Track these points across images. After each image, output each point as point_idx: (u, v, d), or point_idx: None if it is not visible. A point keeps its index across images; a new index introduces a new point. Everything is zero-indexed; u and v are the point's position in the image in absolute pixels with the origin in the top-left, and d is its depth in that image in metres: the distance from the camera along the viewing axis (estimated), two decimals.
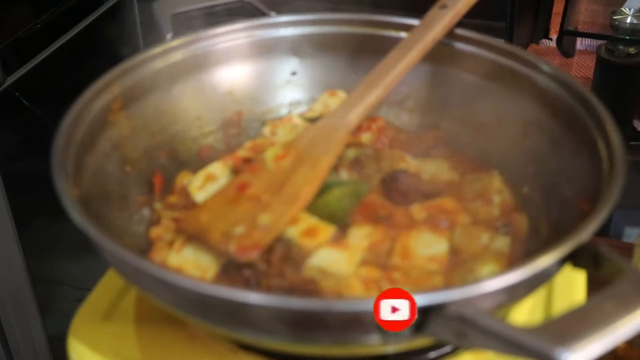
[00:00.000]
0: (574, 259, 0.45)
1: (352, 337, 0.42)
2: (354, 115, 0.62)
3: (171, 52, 0.65)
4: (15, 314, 1.41)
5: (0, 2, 1.23)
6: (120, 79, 0.61)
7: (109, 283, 0.59)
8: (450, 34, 0.66)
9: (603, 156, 0.53)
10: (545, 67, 0.60)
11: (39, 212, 1.55)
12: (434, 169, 0.62)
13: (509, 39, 2.30)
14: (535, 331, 0.38)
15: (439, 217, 0.57)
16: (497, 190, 0.59)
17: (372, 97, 0.63)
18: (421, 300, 0.40)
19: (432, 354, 0.53)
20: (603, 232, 0.67)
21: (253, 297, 0.41)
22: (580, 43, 2.42)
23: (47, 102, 1.46)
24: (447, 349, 0.53)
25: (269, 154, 0.60)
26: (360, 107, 0.62)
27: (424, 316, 0.41)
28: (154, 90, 0.64)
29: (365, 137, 0.65)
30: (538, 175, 0.60)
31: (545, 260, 0.42)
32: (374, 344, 0.43)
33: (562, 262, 0.44)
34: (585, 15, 2.17)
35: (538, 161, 0.61)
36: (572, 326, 0.37)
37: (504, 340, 0.38)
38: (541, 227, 0.57)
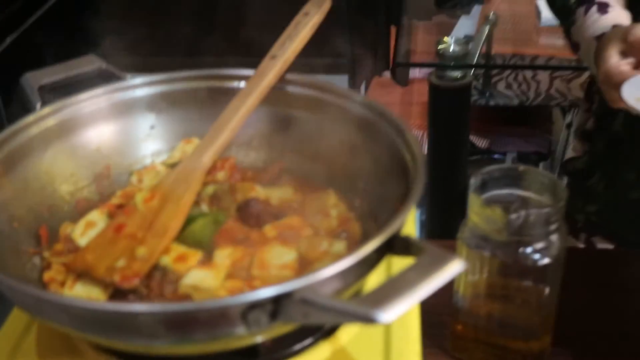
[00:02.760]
0: (391, 248, 0.58)
1: (222, 330, 0.53)
2: (207, 157, 0.74)
3: (43, 119, 0.74)
4: None
5: None
6: None
7: (12, 325, 0.67)
8: (282, 79, 0.79)
9: (410, 165, 0.66)
10: (357, 97, 0.74)
11: None
12: (280, 194, 0.74)
13: (352, 74, 2.48)
14: (358, 301, 0.49)
15: (287, 233, 0.68)
16: (333, 205, 0.72)
17: (221, 140, 0.74)
18: (273, 291, 0.52)
19: (297, 347, 0.64)
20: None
21: (140, 307, 0.51)
22: (420, 71, 2.62)
23: None
24: (308, 341, 0.65)
25: (139, 198, 0.70)
26: (211, 150, 0.74)
27: (277, 304, 0.52)
28: (31, 155, 0.73)
29: (220, 175, 0.77)
30: (366, 189, 0.73)
31: (364, 251, 0.55)
32: (240, 334, 0.53)
33: (381, 251, 0.57)
34: (420, 45, 2.37)
35: (365, 177, 0.74)
36: (384, 294, 0.50)
37: (337, 312, 0.50)
38: (371, 229, 0.69)
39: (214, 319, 0.52)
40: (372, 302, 0.49)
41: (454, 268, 0.52)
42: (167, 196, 0.70)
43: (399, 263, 0.55)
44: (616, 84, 0.88)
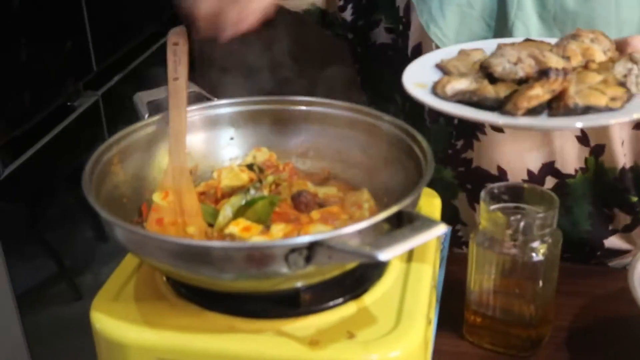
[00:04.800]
0: (400, 220, 0.77)
1: (269, 269, 0.73)
2: (182, 156, 0.94)
3: (149, 126, 0.98)
4: None
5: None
6: (117, 143, 0.93)
7: (116, 277, 0.89)
8: (327, 105, 1.00)
9: (422, 166, 0.87)
10: (386, 117, 0.95)
11: (41, 297, 1.79)
12: (326, 191, 0.95)
13: None
14: (365, 246, 0.70)
15: (328, 217, 0.89)
16: (366, 200, 0.92)
17: (182, 143, 0.95)
18: (308, 238, 0.72)
19: (330, 304, 0.84)
20: None
21: (213, 244, 0.73)
22: None
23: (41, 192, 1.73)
24: (340, 300, 0.84)
25: (156, 197, 0.91)
26: (182, 151, 0.94)
27: (310, 250, 0.72)
28: (140, 151, 0.96)
29: (283, 175, 0.98)
30: (394, 190, 0.93)
31: (375, 219, 0.75)
32: (283, 273, 0.74)
33: (390, 221, 0.76)
34: None
35: (393, 182, 0.94)
36: (385, 242, 0.69)
37: (351, 253, 0.70)
38: None
39: (264, 258, 0.72)
40: (375, 247, 0.69)
41: (438, 230, 0.72)
42: (177, 190, 0.91)
43: None
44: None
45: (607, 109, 0.83)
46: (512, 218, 0.95)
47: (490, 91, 0.85)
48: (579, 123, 0.86)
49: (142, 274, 0.89)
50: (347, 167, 1.00)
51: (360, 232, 0.74)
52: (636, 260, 1.02)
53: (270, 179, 0.94)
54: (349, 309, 0.83)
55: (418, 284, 0.87)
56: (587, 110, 0.82)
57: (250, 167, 0.98)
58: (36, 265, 1.93)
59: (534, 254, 0.96)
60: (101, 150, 0.90)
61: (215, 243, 0.73)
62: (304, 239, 0.72)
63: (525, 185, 1.01)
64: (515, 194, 1.00)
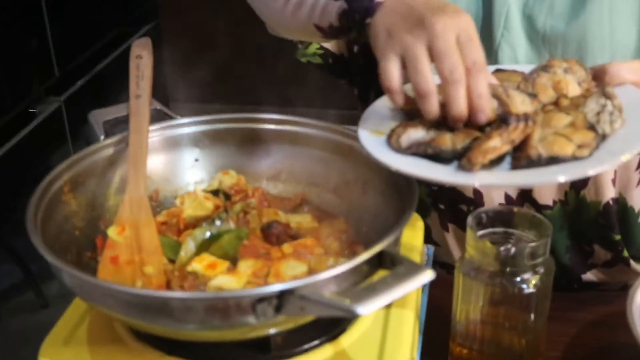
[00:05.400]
0: (380, 262, 0.70)
1: (235, 319, 0.65)
2: (142, 187, 0.85)
3: (105, 149, 0.89)
4: None
5: None
6: (68, 169, 0.84)
7: (69, 317, 0.80)
8: (300, 124, 0.92)
9: (406, 195, 0.79)
10: None
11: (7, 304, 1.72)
12: (299, 219, 0.87)
13: None
14: (343, 298, 0.62)
15: (301, 250, 0.81)
16: (343, 231, 0.85)
17: (143, 171, 0.86)
18: (278, 287, 0.64)
19: (304, 347, 0.76)
20: None
21: (170, 294, 0.64)
22: None
23: None
24: (315, 342, 0.76)
25: (111, 232, 0.83)
26: (141, 181, 0.86)
27: (280, 299, 0.64)
28: (93, 177, 0.88)
29: (252, 201, 0.90)
30: (374, 218, 0.86)
31: (355, 262, 0.67)
32: (250, 323, 0.66)
33: (370, 263, 0.69)
34: None
35: (372, 209, 0.86)
36: (364, 293, 0.62)
37: (326, 305, 0.62)
38: None
39: (229, 308, 0.65)
40: (353, 299, 0.61)
41: (424, 277, 0.64)
42: (135, 224, 0.83)
43: None
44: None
45: (573, 159, 0.75)
46: (502, 248, 0.88)
47: (447, 142, 0.78)
48: (538, 178, 0.77)
49: (97, 314, 0.81)
50: (322, 192, 0.92)
51: (336, 278, 0.66)
52: (635, 289, 0.95)
53: (237, 207, 0.86)
54: (325, 352, 0.76)
55: (400, 322, 0.80)
56: (552, 160, 0.75)
57: (215, 193, 0.90)
58: (1, 272, 1.86)
59: (524, 286, 0.89)
60: (50, 178, 0.82)
61: (173, 294, 0.66)
62: (274, 287, 0.64)
63: (516, 209, 0.93)
64: (505, 219, 0.92)
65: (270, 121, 0.94)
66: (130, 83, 0.90)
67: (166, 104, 2.43)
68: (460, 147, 0.77)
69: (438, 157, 0.78)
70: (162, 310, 0.66)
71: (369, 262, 0.69)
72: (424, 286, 1.03)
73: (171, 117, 0.93)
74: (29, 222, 0.74)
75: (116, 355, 0.76)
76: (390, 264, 0.70)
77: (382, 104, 0.88)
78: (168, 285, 0.77)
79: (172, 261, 0.81)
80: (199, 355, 0.74)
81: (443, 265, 1.24)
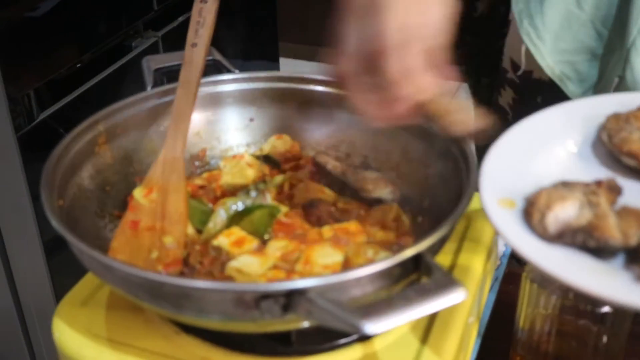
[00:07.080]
0: (417, 266, 0.60)
1: (237, 313, 0.58)
2: (179, 145, 0.77)
3: (150, 99, 0.82)
4: (41, 325, 1.57)
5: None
6: (105, 119, 0.78)
7: (88, 280, 0.75)
8: None
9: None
10: None
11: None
12: (348, 201, 0.78)
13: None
14: (352, 309, 0.53)
15: (341, 236, 0.72)
16: (393, 219, 0.75)
17: (184, 129, 0.78)
18: (287, 285, 0.56)
19: (328, 345, 0.68)
20: None
21: (164, 278, 0.57)
22: None
23: None
24: (342, 340, 0.68)
25: (138, 193, 0.76)
26: (180, 139, 0.77)
27: (289, 298, 0.56)
28: (134, 129, 0.81)
29: (304, 172, 0.82)
30: (432, 208, 0.76)
31: (382, 265, 0.58)
32: (255, 318, 0.58)
33: (405, 265, 0.59)
34: None
35: (432, 198, 0.76)
36: (379, 307, 0.53)
37: (332, 315, 0.53)
38: None
39: (230, 301, 0.57)
40: (363, 313, 0.52)
41: (453, 297, 0.54)
42: (164, 187, 0.75)
43: None
44: None
45: None
46: None
47: (614, 232, 0.58)
48: None
49: None
50: (382, 173, 0.82)
51: (359, 281, 0.57)
52: None
53: (278, 179, 0.78)
54: (354, 353, 0.68)
55: (446, 328, 0.70)
56: None
57: (265, 158, 0.82)
58: None
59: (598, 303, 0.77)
60: (82, 128, 0.76)
61: (168, 278, 0.58)
62: (281, 285, 0.56)
63: None
64: None
65: (335, 84, 0.84)
66: (189, 30, 0.82)
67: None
68: (637, 242, 0.58)
69: (600, 250, 0.59)
70: (158, 294, 0.59)
71: (401, 265, 0.59)
72: (493, 284, 0.92)
73: (229, 70, 0.85)
74: (44, 175, 0.68)
75: (131, 325, 0.70)
76: (426, 270, 0.60)
77: (501, 149, 0.69)
78: (186, 260, 0.70)
79: (200, 232, 0.74)
80: (214, 337, 0.67)
81: (520, 259, 1.12)
